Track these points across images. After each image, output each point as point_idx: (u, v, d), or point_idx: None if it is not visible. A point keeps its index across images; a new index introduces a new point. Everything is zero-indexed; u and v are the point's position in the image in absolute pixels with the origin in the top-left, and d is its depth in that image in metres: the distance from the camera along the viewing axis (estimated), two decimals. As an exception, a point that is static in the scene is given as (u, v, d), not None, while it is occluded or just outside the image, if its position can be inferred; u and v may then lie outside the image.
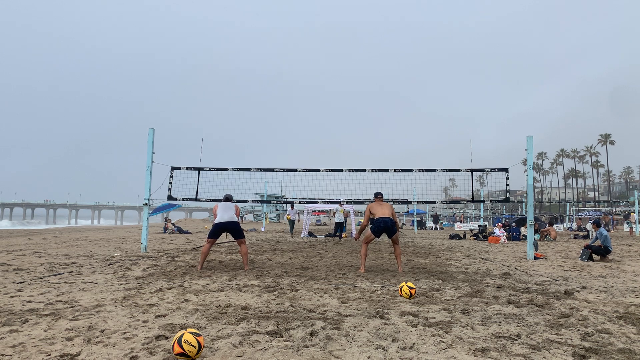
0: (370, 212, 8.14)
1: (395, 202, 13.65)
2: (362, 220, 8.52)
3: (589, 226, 23.07)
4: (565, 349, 3.39)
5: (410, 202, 13.59)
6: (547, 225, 20.88)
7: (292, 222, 22.67)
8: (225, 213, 8.21)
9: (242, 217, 45.64)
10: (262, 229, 26.64)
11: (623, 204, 48.35)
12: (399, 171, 12.19)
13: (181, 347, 3.03)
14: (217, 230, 8.17)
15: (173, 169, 12.00)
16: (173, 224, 23.17)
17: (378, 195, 8.44)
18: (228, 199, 8.70)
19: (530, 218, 10.95)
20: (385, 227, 7.84)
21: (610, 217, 33.78)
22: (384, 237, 9.45)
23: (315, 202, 13.83)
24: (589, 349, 3.37)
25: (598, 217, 33.84)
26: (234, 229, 8.19)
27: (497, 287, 6.15)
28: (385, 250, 12.63)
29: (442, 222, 43.55)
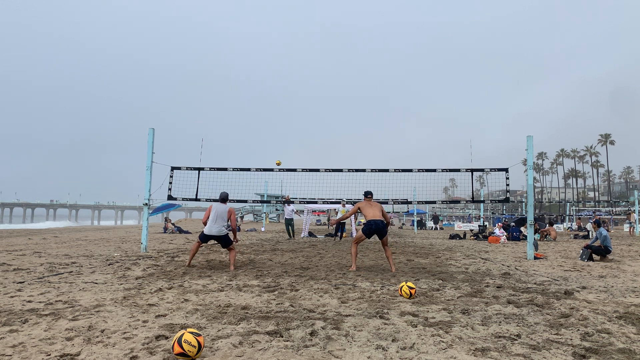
0: (360, 212, 8.22)
1: (395, 202, 13.65)
2: (362, 220, 8.57)
3: (589, 226, 23.09)
4: (565, 349, 3.39)
5: (410, 202, 13.59)
6: (547, 225, 20.89)
7: (289, 222, 18.92)
8: (214, 224, 8.12)
9: (242, 217, 45.58)
10: (262, 229, 26.64)
11: (623, 204, 48.37)
12: (399, 171, 12.19)
13: (181, 347, 3.03)
14: (206, 238, 8.24)
15: (173, 169, 12.00)
16: (173, 224, 23.18)
17: (368, 195, 8.47)
18: (224, 199, 8.52)
19: (530, 218, 10.95)
20: (377, 229, 7.94)
21: (600, 216, 33.73)
22: (375, 238, 9.43)
23: (315, 202, 13.84)
24: (589, 349, 3.37)
25: (598, 217, 33.83)
26: (221, 240, 8.22)
27: (497, 287, 6.15)
28: (385, 250, 12.63)
29: (442, 222, 43.54)
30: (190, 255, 8.26)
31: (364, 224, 8.30)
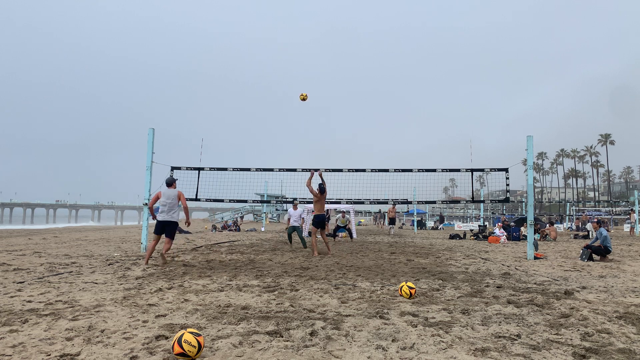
0: (314, 200, 10.96)
1: (395, 202, 13.65)
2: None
3: (589, 226, 23.06)
4: (565, 349, 3.39)
5: (410, 202, 13.60)
6: (548, 225, 20.89)
7: (293, 229, 13.39)
8: (166, 213, 8.31)
9: (242, 217, 45.54)
10: (262, 229, 26.64)
11: (623, 204, 48.36)
12: (399, 171, 12.21)
13: (181, 347, 3.03)
14: (158, 227, 8.36)
15: (173, 168, 12.00)
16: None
17: (323, 192, 10.91)
18: (169, 183, 8.60)
19: (530, 218, 10.94)
20: (322, 220, 11.02)
21: (589, 216, 33.73)
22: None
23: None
24: (589, 349, 3.37)
25: (599, 216, 33.80)
26: (170, 225, 8.36)
27: (497, 287, 6.15)
28: (385, 250, 12.63)
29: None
30: (147, 254, 8.24)
31: (314, 217, 11.03)
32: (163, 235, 8.41)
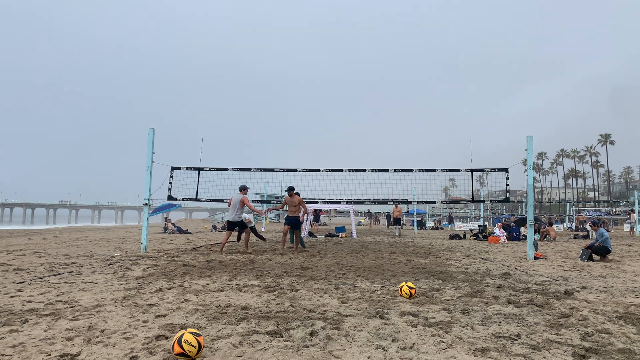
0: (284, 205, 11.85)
1: (395, 202, 13.65)
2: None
3: (589, 226, 23.07)
4: (565, 349, 3.39)
5: (410, 202, 13.60)
6: (547, 226, 20.90)
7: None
8: (230, 213, 11.34)
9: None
10: (262, 229, 26.63)
11: (623, 204, 48.36)
12: (399, 171, 12.21)
13: (181, 347, 3.03)
14: (228, 225, 11.47)
15: (173, 169, 12.01)
16: (173, 224, 23.18)
17: (290, 190, 11.52)
18: (240, 189, 11.31)
19: (530, 218, 10.94)
20: (291, 222, 11.73)
21: (587, 216, 33.75)
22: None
23: (315, 202, 13.83)
24: (589, 349, 3.37)
25: (598, 217, 33.81)
26: (238, 224, 11.32)
27: (497, 287, 6.15)
28: (385, 250, 12.63)
29: (441, 222, 43.69)
30: (223, 240, 11.27)
31: (285, 217, 11.79)
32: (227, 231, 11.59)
